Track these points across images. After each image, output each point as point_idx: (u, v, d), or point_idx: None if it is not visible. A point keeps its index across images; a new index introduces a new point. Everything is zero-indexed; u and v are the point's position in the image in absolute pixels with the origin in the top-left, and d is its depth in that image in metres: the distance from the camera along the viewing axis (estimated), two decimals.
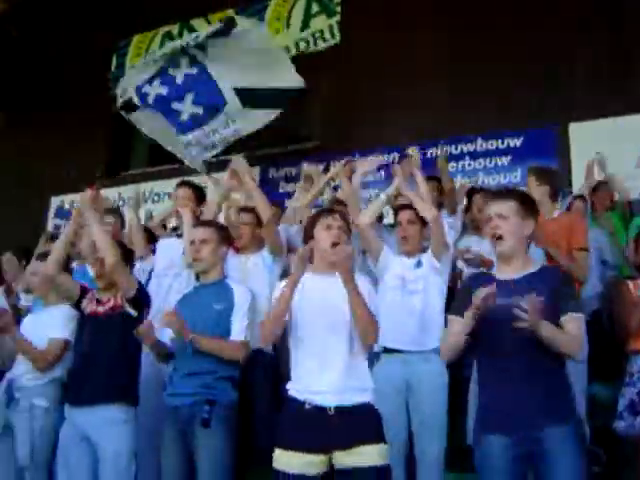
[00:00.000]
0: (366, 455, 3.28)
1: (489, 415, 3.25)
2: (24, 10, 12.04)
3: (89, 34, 11.00)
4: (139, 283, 4.49)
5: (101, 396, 4.15)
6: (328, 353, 3.43)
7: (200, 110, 8.09)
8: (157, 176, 10.09)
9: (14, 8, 12.13)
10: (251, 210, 5.22)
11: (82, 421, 4.18)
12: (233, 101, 7.97)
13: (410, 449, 4.45)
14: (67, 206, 10.59)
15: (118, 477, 4.10)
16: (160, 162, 10.14)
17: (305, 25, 9.67)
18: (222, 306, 4.12)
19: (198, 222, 4.81)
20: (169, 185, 9.26)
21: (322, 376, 3.40)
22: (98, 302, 4.39)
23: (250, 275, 4.95)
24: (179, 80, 8.03)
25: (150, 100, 8.11)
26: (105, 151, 10.82)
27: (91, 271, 4.51)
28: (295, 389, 3.48)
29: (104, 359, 4.22)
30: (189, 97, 8.04)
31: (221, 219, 5.45)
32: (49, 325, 4.68)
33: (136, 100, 8.19)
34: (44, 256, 4.90)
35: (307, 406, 3.38)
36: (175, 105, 8.10)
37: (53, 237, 7.48)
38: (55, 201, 10.90)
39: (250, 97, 7.93)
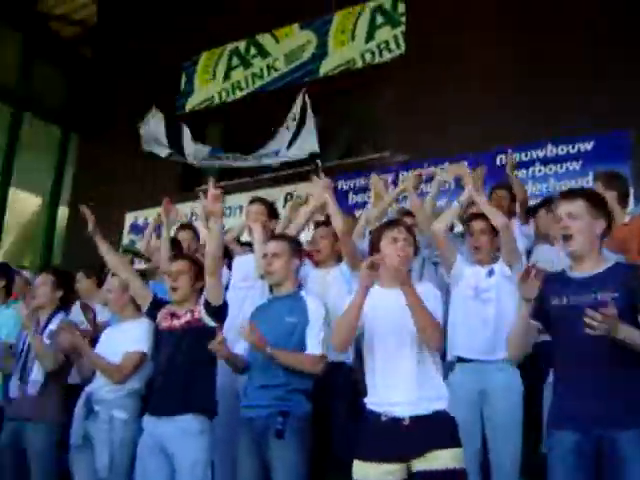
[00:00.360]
0: (441, 459, 3.29)
1: (562, 411, 3.23)
2: (97, 33, 12.41)
3: (159, 53, 11.24)
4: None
5: (178, 408, 4.21)
6: (399, 365, 3.45)
7: None
8: (227, 191, 10.17)
9: (88, 31, 12.51)
10: (329, 224, 5.25)
11: (159, 432, 4.24)
12: None
13: (485, 458, 4.43)
14: (141, 222, 10.83)
15: None
16: (229, 177, 10.27)
17: (370, 37, 9.72)
18: (295, 319, 4.15)
19: (271, 236, 4.87)
20: (239, 199, 9.43)
21: (395, 388, 3.42)
22: (173, 316, 4.45)
23: (330, 288, 4.94)
24: None
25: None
26: (177, 167, 11.00)
27: (167, 284, 4.57)
28: (372, 402, 3.51)
29: (181, 372, 4.27)
30: None
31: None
32: (125, 339, 4.76)
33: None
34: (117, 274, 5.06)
35: (383, 418, 3.41)
36: None
37: (127, 252, 7.67)
38: (129, 217, 11.13)
39: None
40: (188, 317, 4.38)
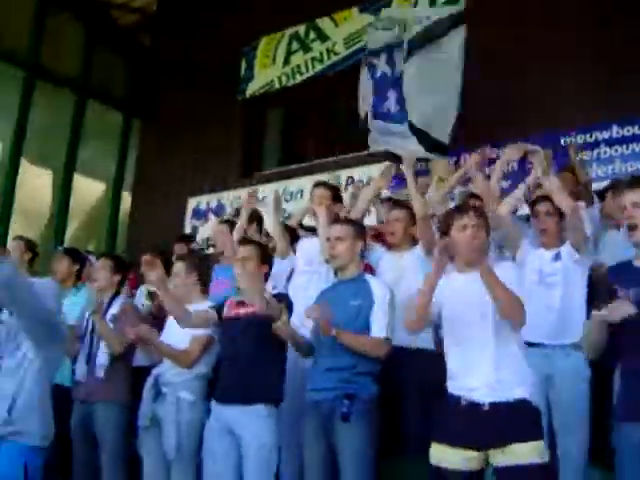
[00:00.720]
0: (521, 454, 3.23)
1: (631, 404, 3.18)
2: (156, 20, 12.51)
3: (218, 39, 11.28)
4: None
5: (245, 396, 4.25)
6: (478, 348, 3.43)
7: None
8: (289, 175, 10.23)
9: (147, 18, 12.63)
10: (404, 206, 5.22)
11: (226, 415, 4.29)
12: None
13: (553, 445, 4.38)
14: (203, 207, 10.93)
15: (261, 469, 4.18)
16: (291, 161, 10.28)
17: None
18: (359, 302, 4.14)
19: (334, 219, 4.86)
20: (301, 184, 9.44)
21: (474, 371, 3.40)
22: (239, 304, 4.46)
23: (405, 272, 4.93)
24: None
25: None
26: (238, 152, 11.07)
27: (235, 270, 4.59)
28: (452, 386, 3.49)
29: (248, 360, 4.30)
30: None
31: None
32: None
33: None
34: (181, 258, 5.16)
35: (463, 402, 3.39)
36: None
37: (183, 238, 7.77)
38: (192, 202, 11.21)
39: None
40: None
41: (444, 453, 3.35)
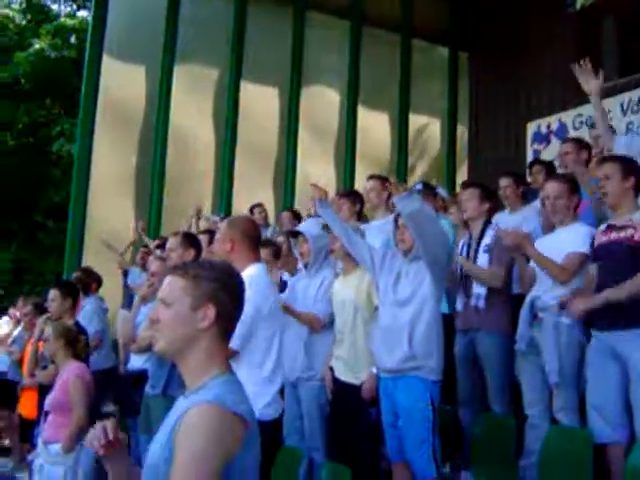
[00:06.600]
0: None
1: None
2: None
3: None
4: None
5: (628, 320, 4.12)
6: None
7: None
8: (633, 85, 9.62)
9: None
10: None
11: (610, 339, 4.21)
12: None
13: None
14: (544, 130, 10.66)
15: None
16: (633, 70, 9.66)
17: None
18: None
19: None
20: None
21: None
22: (610, 228, 4.34)
23: None
24: None
25: None
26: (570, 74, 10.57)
27: None
28: None
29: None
30: None
31: None
32: (565, 241, 4.70)
33: None
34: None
35: None
36: None
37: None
38: (531, 126, 10.97)
39: None
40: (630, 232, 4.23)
41: None
